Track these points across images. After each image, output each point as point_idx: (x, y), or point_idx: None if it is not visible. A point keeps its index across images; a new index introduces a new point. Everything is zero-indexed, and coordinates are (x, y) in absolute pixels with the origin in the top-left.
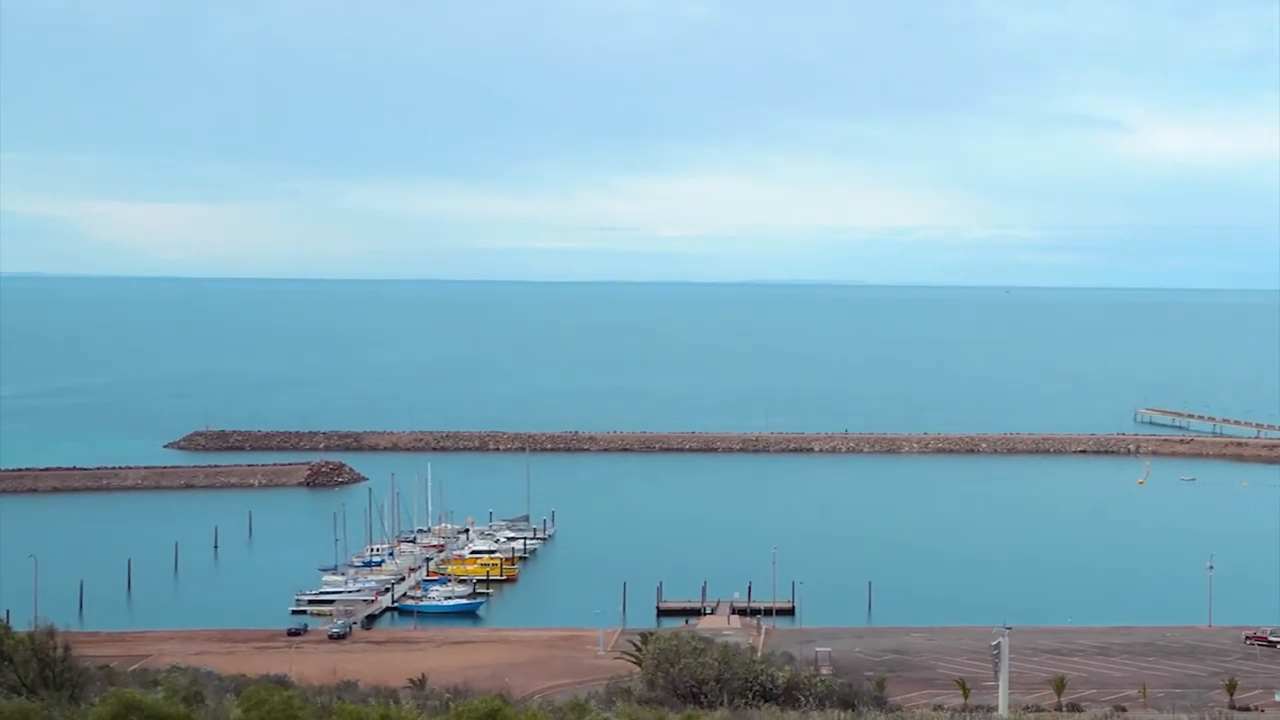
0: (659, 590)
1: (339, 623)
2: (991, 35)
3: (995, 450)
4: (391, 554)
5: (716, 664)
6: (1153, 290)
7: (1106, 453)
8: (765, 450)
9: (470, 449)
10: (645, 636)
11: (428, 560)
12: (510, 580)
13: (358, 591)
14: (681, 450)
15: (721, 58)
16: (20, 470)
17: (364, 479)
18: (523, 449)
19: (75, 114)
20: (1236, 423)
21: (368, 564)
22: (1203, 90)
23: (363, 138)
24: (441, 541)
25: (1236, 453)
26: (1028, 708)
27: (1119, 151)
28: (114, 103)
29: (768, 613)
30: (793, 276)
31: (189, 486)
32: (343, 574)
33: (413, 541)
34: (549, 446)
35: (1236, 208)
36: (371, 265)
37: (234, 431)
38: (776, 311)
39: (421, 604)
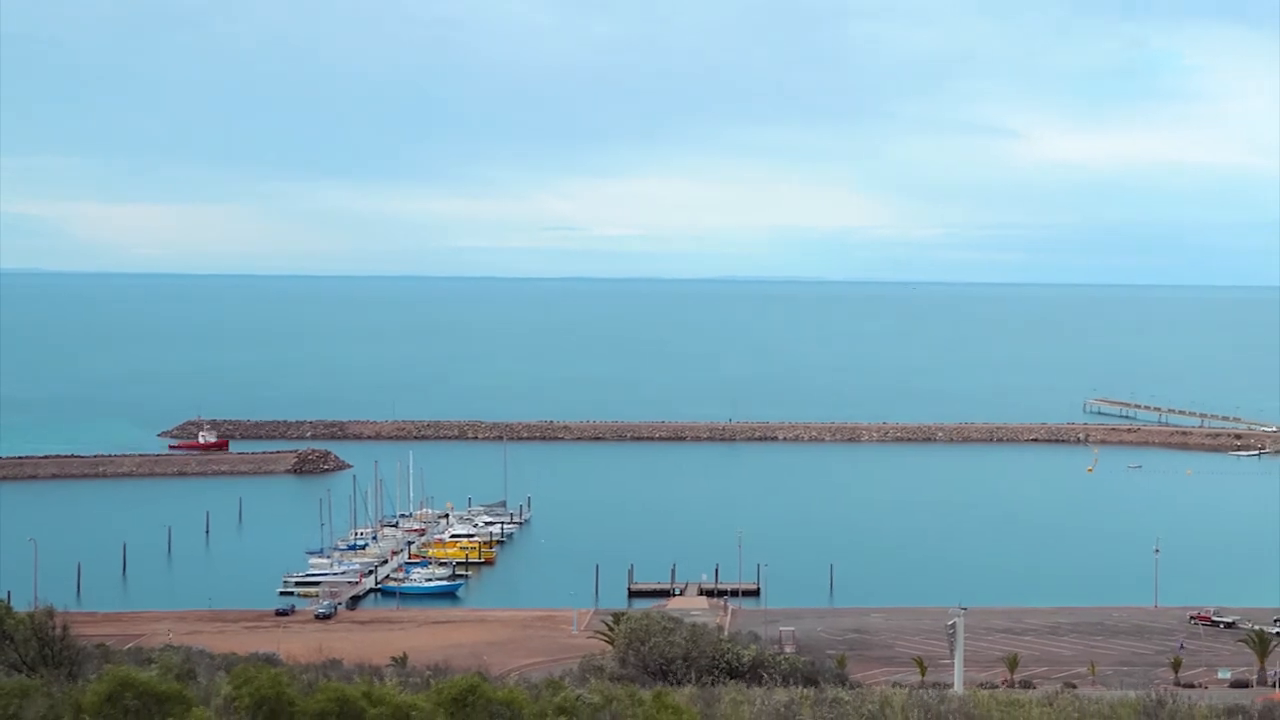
0: (630, 572)
1: (325, 603)
2: (879, 51)
3: (951, 439)
4: (375, 538)
5: (685, 643)
6: (1080, 286)
7: (1057, 441)
8: (732, 439)
9: (450, 438)
10: (617, 617)
11: (409, 544)
12: (488, 563)
13: (343, 574)
14: (652, 439)
15: (635, 70)
16: (20, 458)
17: (348, 466)
18: (500, 438)
19: (52, 120)
20: (1181, 412)
21: (352, 547)
22: (1083, 99)
23: (327, 143)
24: (423, 526)
25: (1181, 441)
26: (982, 685)
27: (1018, 157)
28: (87, 110)
29: (734, 594)
30: (733, 273)
31: (181, 474)
32: (328, 557)
33: (395, 526)
34: (525, 435)
35: (1133, 208)
36: (341, 263)
37: (225, 421)
38: (724, 306)
39: (403, 586)
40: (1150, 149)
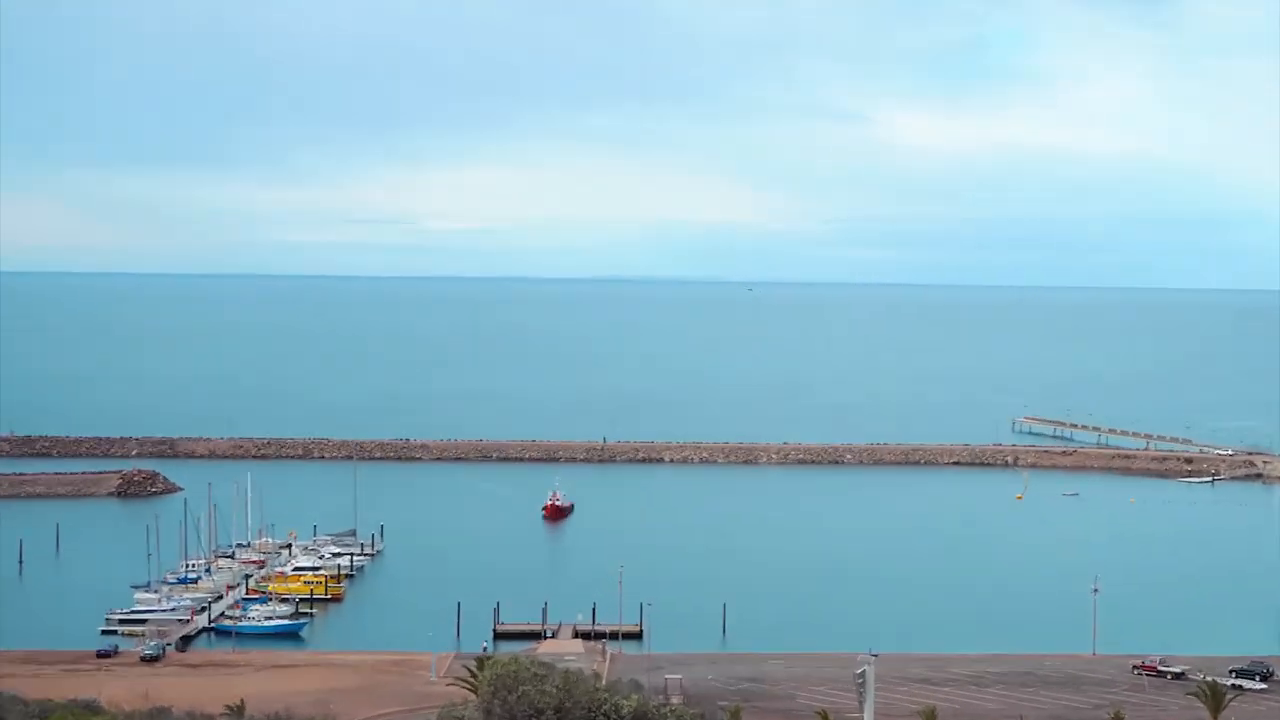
0: (496, 611)
1: (152, 644)
2: (698, 28)
3: (861, 461)
4: (208, 570)
5: (558, 692)
6: (984, 288)
7: (982, 464)
8: (611, 460)
9: (293, 457)
10: (481, 661)
11: (247, 577)
12: (336, 599)
13: (172, 610)
14: (521, 460)
15: (447, 48)
16: None
17: (179, 489)
18: (349, 457)
19: None
20: (1123, 433)
21: (183, 581)
22: (933, 80)
23: (127, 130)
24: (262, 557)
25: (1124, 465)
26: None
27: (874, 143)
28: None
29: (613, 636)
30: (602, 272)
31: None
32: (156, 591)
33: (231, 557)
34: (378, 455)
35: (1014, 202)
36: (151, 260)
37: (40, 437)
38: (596, 310)
39: (240, 624)
40: (1013, 134)
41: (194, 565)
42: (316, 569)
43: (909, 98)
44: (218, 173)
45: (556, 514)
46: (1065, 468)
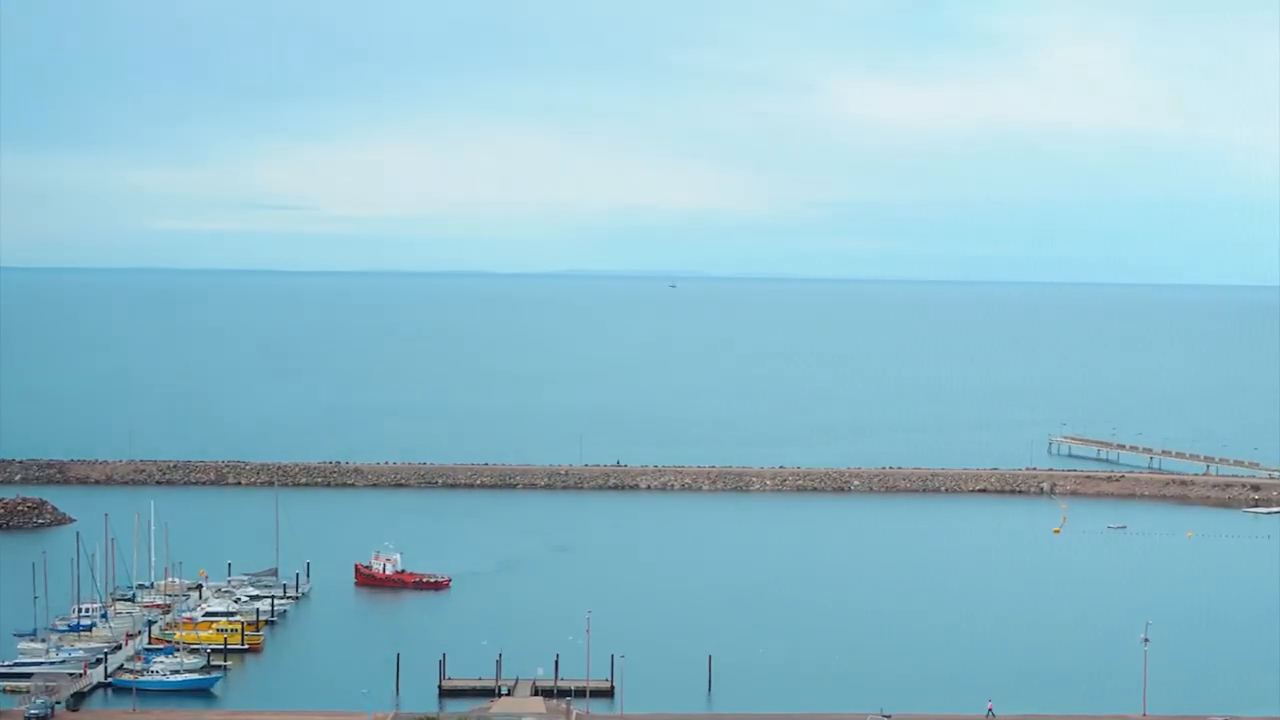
0: (442, 664)
1: (38, 702)
2: None
3: (870, 488)
4: (105, 616)
5: None
6: (998, 284)
7: (1012, 492)
8: (578, 487)
9: (204, 483)
10: None
11: (150, 624)
12: (254, 650)
13: (62, 663)
14: (471, 486)
15: (347, 14)
16: None
17: (70, 520)
18: (270, 483)
19: None
20: (1179, 455)
21: (74, 628)
22: (879, 44)
23: None
24: (168, 600)
25: (1179, 493)
26: None
27: (820, 116)
28: None
29: (580, 694)
30: (527, 267)
31: None
32: (43, 641)
33: (131, 600)
34: (303, 480)
35: (1006, 184)
36: (14, 252)
37: None
38: (549, 309)
39: (142, 680)
40: (984, 108)
41: (88, 610)
42: (231, 614)
43: (855, 65)
44: (87, 152)
45: (371, 581)
46: (1110, 496)
